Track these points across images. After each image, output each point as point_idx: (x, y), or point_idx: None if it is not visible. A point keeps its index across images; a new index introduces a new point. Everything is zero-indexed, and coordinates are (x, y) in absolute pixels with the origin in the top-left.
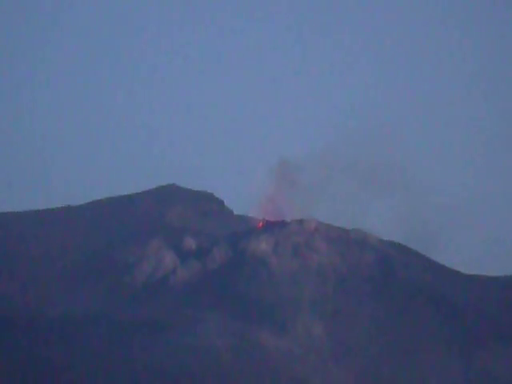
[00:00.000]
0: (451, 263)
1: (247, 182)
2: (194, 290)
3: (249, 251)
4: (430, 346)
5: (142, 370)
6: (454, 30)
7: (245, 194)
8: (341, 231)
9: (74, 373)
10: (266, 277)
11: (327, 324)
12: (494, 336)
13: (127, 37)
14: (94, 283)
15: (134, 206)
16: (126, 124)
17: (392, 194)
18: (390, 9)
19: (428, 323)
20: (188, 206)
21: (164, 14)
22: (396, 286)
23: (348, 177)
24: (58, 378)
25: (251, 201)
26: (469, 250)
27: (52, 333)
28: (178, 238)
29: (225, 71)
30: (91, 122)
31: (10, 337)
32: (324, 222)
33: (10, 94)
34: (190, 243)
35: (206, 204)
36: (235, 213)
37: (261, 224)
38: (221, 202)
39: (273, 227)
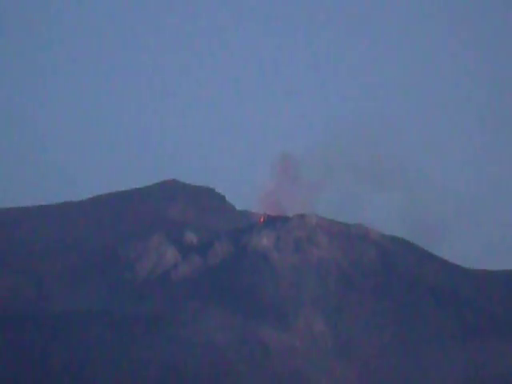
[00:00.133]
0: (453, 258)
1: (248, 177)
2: (195, 285)
3: (250, 246)
4: (432, 340)
5: (144, 365)
6: (456, 24)
7: (246, 189)
8: (342, 226)
9: (76, 368)
10: (268, 272)
11: (329, 319)
12: (496, 330)
13: (130, 31)
14: (96, 279)
15: (135, 202)
16: (127, 120)
17: (393, 188)
18: (393, 2)
19: (429, 317)
20: (189, 201)
21: (166, 8)
22: (397, 280)
23: (349, 172)
24: (60, 374)
25: (252, 196)
26: (470, 245)
27: (54, 329)
28: (180, 234)
29: (226, 66)
30: (93, 117)
31: (12, 332)
32: (325, 216)
33: (11, 91)
34: (192, 238)
35: (208, 199)
36: (236, 208)
37: (262, 219)
38: (222, 198)
39: (274, 222)
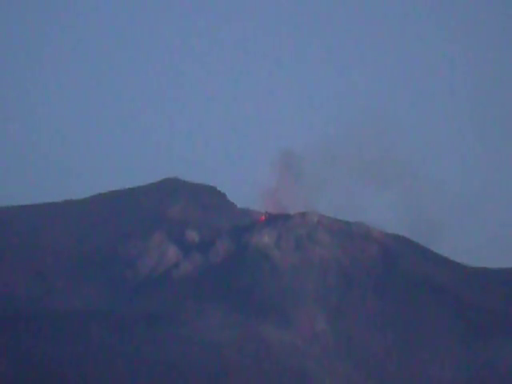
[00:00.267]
0: (454, 256)
1: (250, 175)
2: (196, 284)
3: (251, 244)
4: (433, 339)
5: (145, 363)
6: (457, 22)
7: (247, 187)
8: (343, 224)
9: (77, 366)
10: (269, 270)
11: (330, 317)
12: (498, 328)
13: (131, 30)
14: (97, 277)
15: (137, 200)
16: (128, 118)
17: (395, 186)
18: (396, 2)
19: (431, 316)
20: (190, 199)
21: (165, 6)
22: (399, 278)
23: (351, 170)
24: (61, 372)
25: (254, 194)
26: (472, 243)
27: (55, 326)
28: (181, 232)
29: (226, 63)
30: (94, 116)
31: (14, 330)
32: (327, 215)
33: (12, 90)
34: (193, 236)
35: (209, 197)
36: (238, 206)
37: (263, 217)
38: (223, 196)
39: (275, 220)
